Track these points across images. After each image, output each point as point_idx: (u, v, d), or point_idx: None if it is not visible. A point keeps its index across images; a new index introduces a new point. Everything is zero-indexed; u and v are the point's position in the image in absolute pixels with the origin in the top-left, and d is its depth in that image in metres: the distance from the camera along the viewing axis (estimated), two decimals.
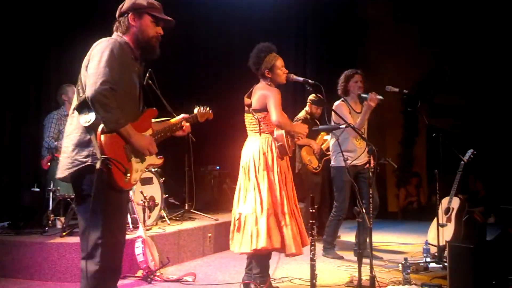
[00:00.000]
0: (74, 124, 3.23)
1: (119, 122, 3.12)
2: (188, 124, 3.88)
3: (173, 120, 3.82)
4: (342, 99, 6.57)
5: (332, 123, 6.46)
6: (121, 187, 3.20)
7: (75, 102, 3.26)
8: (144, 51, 3.47)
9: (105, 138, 3.08)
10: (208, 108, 4.24)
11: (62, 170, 3.22)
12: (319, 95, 5.21)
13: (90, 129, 3.13)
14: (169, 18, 3.51)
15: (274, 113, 4.81)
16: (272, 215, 4.78)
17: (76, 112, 3.21)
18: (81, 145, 3.17)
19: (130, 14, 3.40)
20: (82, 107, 3.17)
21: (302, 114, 7.95)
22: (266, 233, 4.71)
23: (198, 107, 4.16)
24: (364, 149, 6.51)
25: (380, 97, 6.08)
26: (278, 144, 4.88)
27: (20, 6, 7.40)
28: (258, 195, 4.84)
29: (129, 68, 3.32)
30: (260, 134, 5.00)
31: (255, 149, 4.97)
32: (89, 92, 3.05)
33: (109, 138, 3.10)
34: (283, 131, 4.88)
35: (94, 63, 3.12)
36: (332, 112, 6.30)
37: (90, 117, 3.12)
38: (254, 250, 4.73)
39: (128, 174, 3.21)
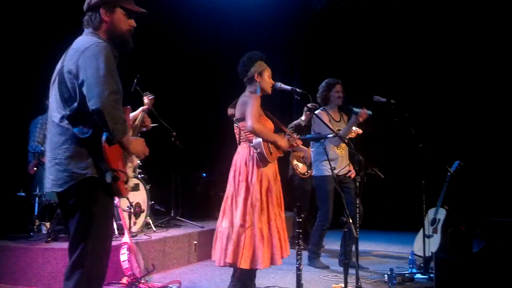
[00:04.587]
0: (67, 135, 3.01)
1: (125, 132, 3.00)
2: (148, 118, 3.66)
3: (134, 113, 3.64)
4: (322, 108, 6.57)
5: (312, 133, 6.45)
6: (124, 195, 3.17)
7: (59, 110, 3.08)
8: (118, 46, 3.22)
9: (108, 149, 2.94)
10: (147, 93, 4.05)
11: (59, 183, 3.01)
12: (314, 104, 5.24)
13: (87, 140, 2.97)
14: (142, 9, 3.28)
15: (249, 119, 4.76)
16: (245, 230, 4.74)
17: (66, 121, 3.02)
18: (78, 157, 2.97)
19: (101, 9, 3.16)
20: (76, 118, 2.98)
21: (297, 121, 7.92)
22: (233, 250, 4.72)
23: (144, 95, 3.97)
24: (345, 158, 6.53)
25: (369, 113, 6.10)
26: (256, 151, 4.81)
27: (9, 10, 7.35)
28: (234, 207, 4.83)
29: (116, 70, 3.11)
30: (240, 143, 4.99)
31: (237, 159, 4.95)
32: (96, 104, 2.82)
33: (110, 148, 2.96)
34: (261, 138, 4.83)
35: (91, 71, 2.90)
36: (312, 121, 6.31)
37: (88, 128, 2.96)
38: (224, 264, 4.79)
39: (127, 181, 3.15)
